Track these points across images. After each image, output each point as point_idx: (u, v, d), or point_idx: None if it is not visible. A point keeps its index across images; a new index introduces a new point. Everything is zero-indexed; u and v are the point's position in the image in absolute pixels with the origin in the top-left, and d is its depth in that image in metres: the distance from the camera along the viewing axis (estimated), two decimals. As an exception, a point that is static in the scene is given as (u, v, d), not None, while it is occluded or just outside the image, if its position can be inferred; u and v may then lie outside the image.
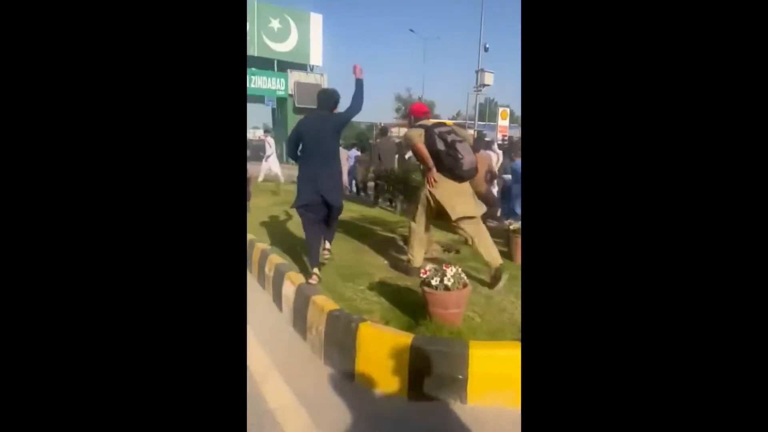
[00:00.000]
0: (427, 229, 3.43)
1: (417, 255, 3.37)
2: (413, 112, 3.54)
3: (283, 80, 24.37)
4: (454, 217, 3.13)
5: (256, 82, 23.65)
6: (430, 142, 3.16)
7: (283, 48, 24.48)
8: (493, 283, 3.11)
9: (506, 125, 22.61)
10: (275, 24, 24.09)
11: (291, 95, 24.47)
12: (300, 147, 3.24)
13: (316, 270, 3.12)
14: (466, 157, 3.15)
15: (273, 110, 26.78)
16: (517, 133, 22.68)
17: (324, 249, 3.33)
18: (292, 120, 24.70)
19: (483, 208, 3.39)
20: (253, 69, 23.47)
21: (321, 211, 3.22)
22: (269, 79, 24.06)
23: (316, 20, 25.38)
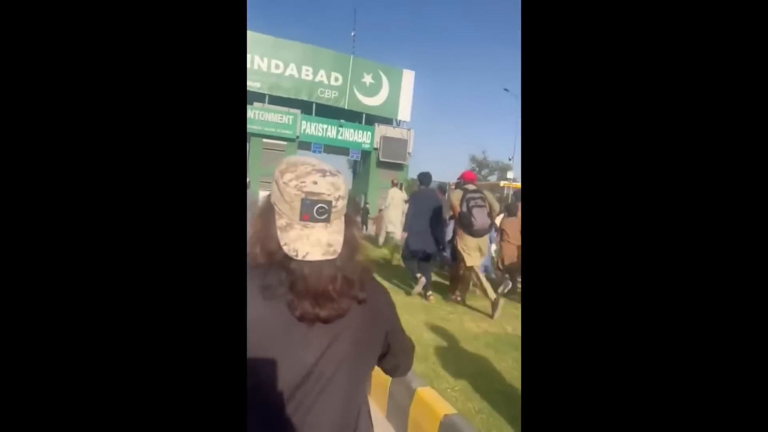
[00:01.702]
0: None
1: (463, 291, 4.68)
2: (463, 177, 4.47)
3: (369, 133, 24.05)
4: (468, 264, 4.26)
5: (344, 134, 23.53)
6: (460, 204, 4.14)
7: (373, 102, 24.37)
8: (493, 311, 4.16)
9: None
10: (368, 79, 24.19)
11: (376, 149, 23.99)
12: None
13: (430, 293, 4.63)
14: (479, 220, 4.08)
15: (355, 162, 26.47)
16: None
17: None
18: (374, 173, 24.22)
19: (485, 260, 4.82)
20: (342, 121, 23.52)
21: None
22: (356, 131, 23.85)
23: (408, 77, 25.19)
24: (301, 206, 0.74)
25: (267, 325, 0.75)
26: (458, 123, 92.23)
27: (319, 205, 0.74)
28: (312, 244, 0.74)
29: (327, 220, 0.75)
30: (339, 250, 0.75)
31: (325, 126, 23.10)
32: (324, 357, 0.78)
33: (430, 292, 4.56)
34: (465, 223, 4.09)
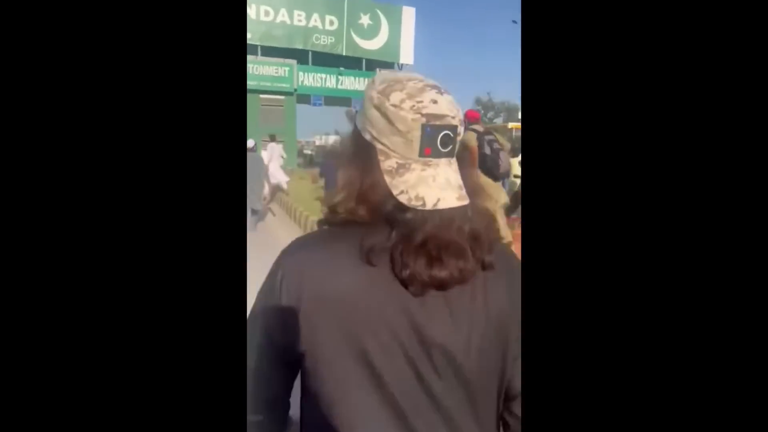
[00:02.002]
0: None
1: None
2: (467, 117, 4.08)
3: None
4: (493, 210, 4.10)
5: (344, 82, 22.18)
6: (479, 146, 3.92)
7: (372, 46, 22.74)
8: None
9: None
10: (365, 20, 22.44)
11: (379, 96, 22.74)
12: None
13: None
14: (504, 163, 3.99)
15: (357, 113, 25.29)
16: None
17: None
18: (379, 123, 23.00)
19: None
20: (341, 69, 22.08)
21: None
22: (357, 79, 22.47)
23: (408, 14, 23.30)
24: (422, 136, 0.59)
25: (372, 299, 0.60)
26: (463, 62, 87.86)
27: (444, 132, 0.60)
28: (441, 186, 0.59)
29: (452, 154, 0.62)
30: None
31: (323, 75, 21.68)
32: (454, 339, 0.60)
33: None
34: (491, 166, 3.91)
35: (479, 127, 4.23)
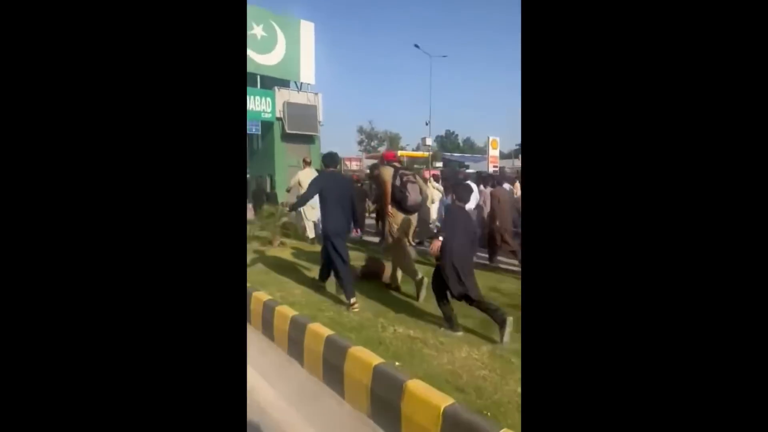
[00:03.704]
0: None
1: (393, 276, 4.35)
2: (386, 158, 4.65)
3: (269, 99, 19.49)
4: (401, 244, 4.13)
5: (236, 101, 18.68)
6: (394, 180, 4.17)
7: (268, 61, 19.69)
8: (417, 293, 3.99)
9: (497, 155, 21.57)
10: (258, 31, 19.39)
11: (279, 119, 19.65)
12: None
13: (353, 300, 3.65)
14: (413, 194, 4.11)
15: (251, 137, 21.69)
16: (508, 164, 22.04)
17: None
18: (280, 150, 19.96)
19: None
20: (231, 85, 18.60)
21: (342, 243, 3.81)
22: (252, 98, 19.10)
23: (307, 28, 20.91)
24: None
25: None
26: (366, 85, 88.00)
27: None
28: None
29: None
30: None
31: (210, 92, 17.93)
32: None
33: (353, 299, 3.68)
34: (399, 198, 4.07)
35: (396, 164, 4.51)
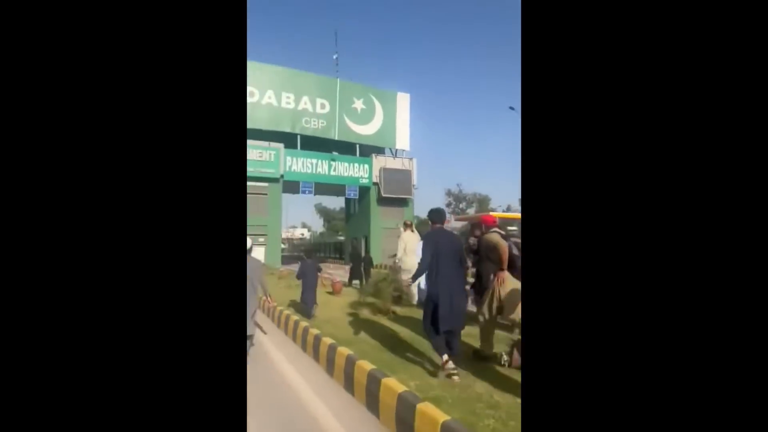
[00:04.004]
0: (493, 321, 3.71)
1: (488, 342, 3.73)
2: (485, 222, 4.36)
3: (366, 166, 20.34)
4: (511, 315, 3.54)
5: (337, 168, 19.70)
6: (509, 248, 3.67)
7: (366, 131, 20.84)
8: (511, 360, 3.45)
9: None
10: (359, 104, 20.79)
11: (375, 183, 20.27)
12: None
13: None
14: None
15: (349, 201, 22.53)
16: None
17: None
18: (375, 213, 20.45)
19: None
20: (334, 154, 19.79)
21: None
22: (351, 165, 20.08)
23: (403, 100, 21.97)
24: None
25: None
26: (455, 148, 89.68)
27: None
28: None
29: None
30: None
31: (314, 161, 19.20)
32: None
33: (454, 369, 3.14)
34: (517, 266, 3.71)
35: (499, 230, 4.23)
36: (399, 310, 5.71)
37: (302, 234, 52.48)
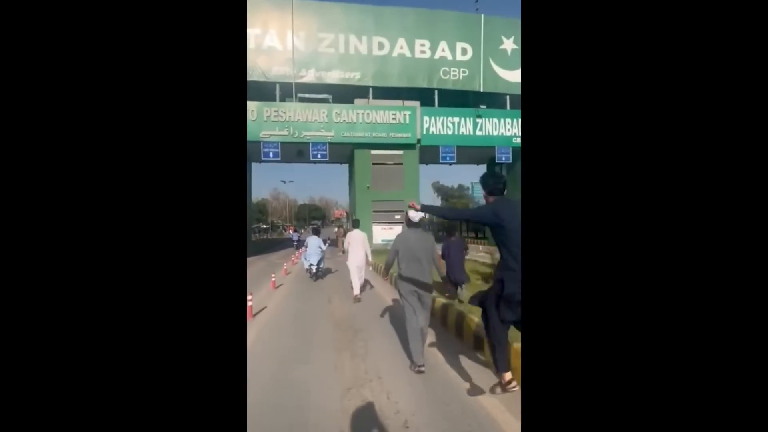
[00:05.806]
0: None
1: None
2: None
3: (520, 121, 16.25)
4: None
5: (485, 126, 16.10)
6: None
7: (517, 77, 16.58)
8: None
9: None
10: (509, 45, 16.62)
11: (532, 142, 16.14)
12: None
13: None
14: None
15: (500, 166, 18.41)
16: None
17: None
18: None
19: None
20: (481, 108, 16.24)
21: None
22: (500, 121, 16.27)
23: (566, 31, 16.94)
24: None
25: None
26: None
27: None
28: None
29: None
30: None
31: (455, 119, 15.86)
32: None
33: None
34: None
35: None
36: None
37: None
